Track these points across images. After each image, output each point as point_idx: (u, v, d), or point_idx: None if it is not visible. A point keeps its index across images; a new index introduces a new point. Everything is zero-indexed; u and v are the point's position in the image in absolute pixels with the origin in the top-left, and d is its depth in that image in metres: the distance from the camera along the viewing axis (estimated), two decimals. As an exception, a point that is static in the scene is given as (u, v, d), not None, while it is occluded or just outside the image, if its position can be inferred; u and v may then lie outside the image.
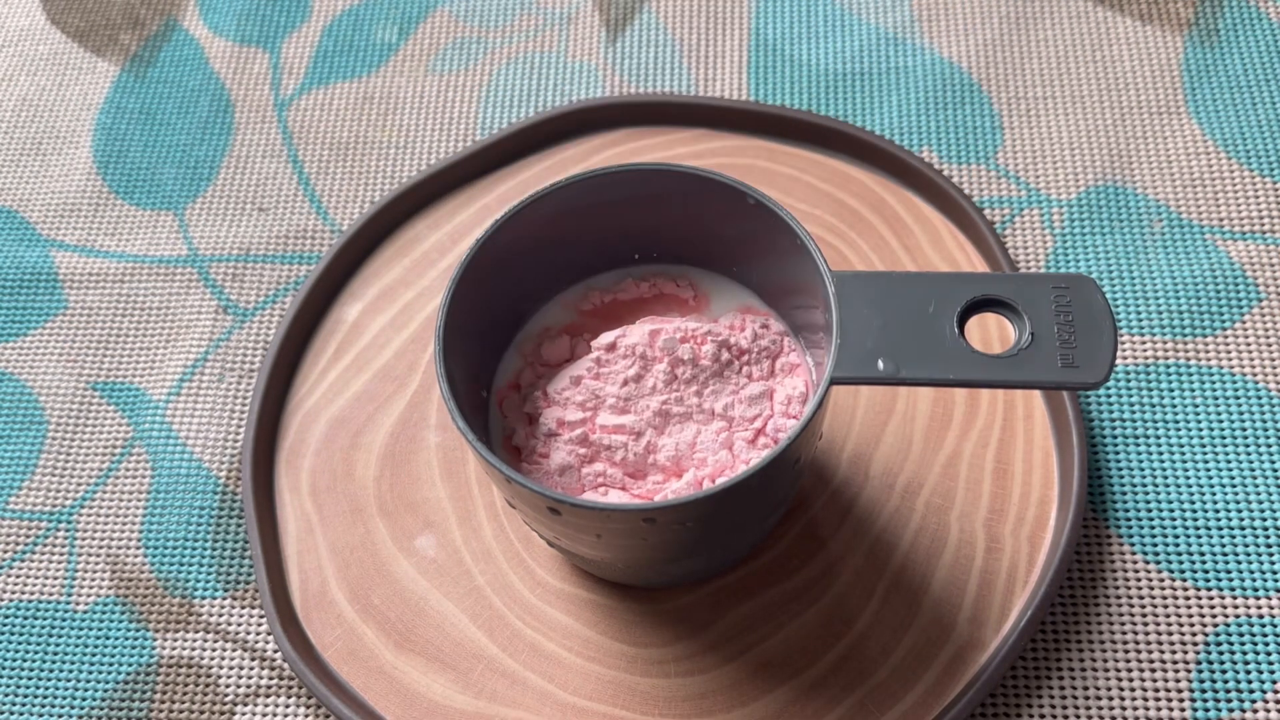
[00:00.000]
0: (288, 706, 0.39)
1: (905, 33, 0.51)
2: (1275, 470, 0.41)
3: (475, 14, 0.53)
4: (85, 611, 0.41)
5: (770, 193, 0.47)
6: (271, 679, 0.40)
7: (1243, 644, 0.39)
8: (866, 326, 0.30)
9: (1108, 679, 0.38)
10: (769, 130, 0.48)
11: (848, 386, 0.41)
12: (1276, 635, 0.39)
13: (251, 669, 0.40)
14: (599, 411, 0.36)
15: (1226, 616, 0.39)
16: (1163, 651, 0.39)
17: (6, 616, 0.41)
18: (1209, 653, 0.38)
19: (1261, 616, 0.39)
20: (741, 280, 0.39)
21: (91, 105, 0.52)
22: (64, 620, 0.41)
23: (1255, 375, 0.43)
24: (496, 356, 0.39)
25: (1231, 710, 0.38)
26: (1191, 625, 0.39)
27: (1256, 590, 0.39)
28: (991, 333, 0.43)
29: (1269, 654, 0.38)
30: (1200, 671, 0.38)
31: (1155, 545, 0.40)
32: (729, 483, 0.30)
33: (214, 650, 0.40)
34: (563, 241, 0.38)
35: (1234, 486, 0.41)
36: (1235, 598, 0.39)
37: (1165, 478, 0.41)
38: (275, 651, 0.40)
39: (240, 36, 0.54)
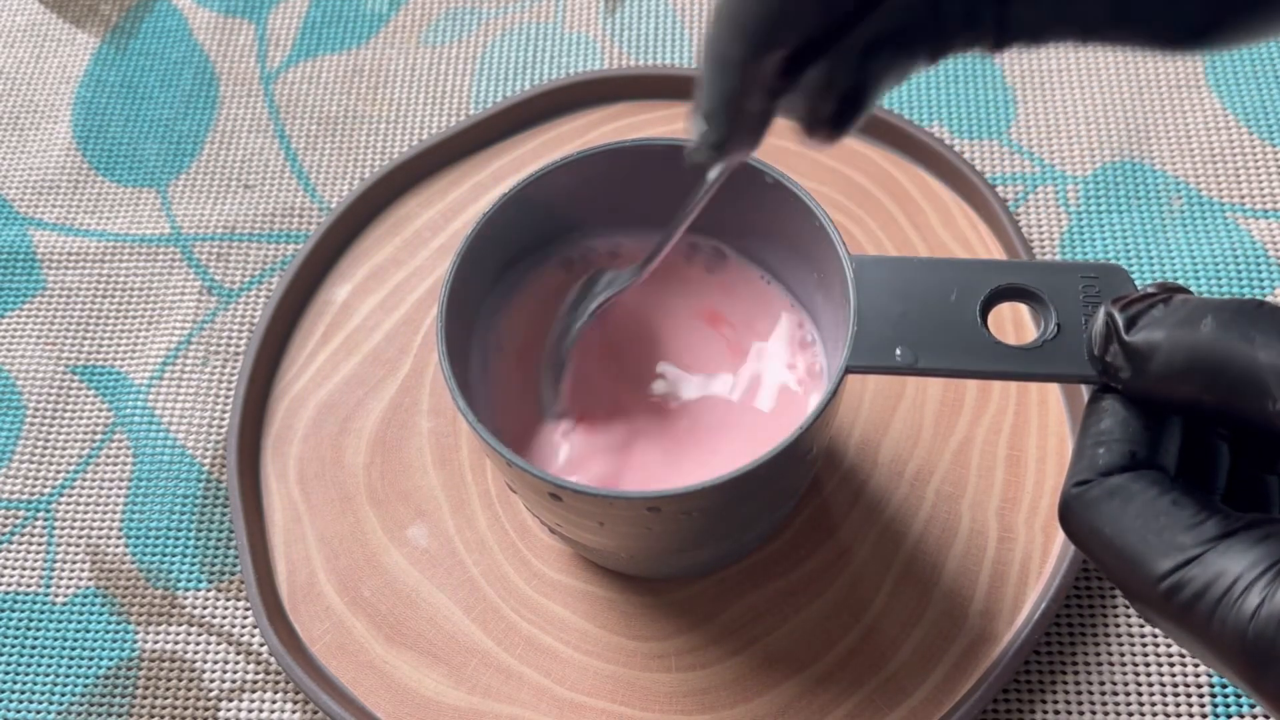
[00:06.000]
0: (274, 702, 0.38)
1: (914, 3, 0.50)
2: (1298, 457, 0.40)
3: (469, -16, 0.52)
4: (64, 603, 0.40)
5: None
6: (257, 673, 0.39)
7: (1265, 637, 0.37)
8: (884, 313, 0.29)
9: (1125, 674, 0.37)
10: (773, 104, 0.47)
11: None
12: (1300, 628, 0.37)
13: (237, 663, 0.39)
14: None
15: (1248, 609, 0.38)
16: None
17: (-17, 609, 0.40)
18: (1230, 646, 0.37)
19: (1284, 609, 0.38)
20: (751, 257, 0.38)
21: (71, 78, 0.51)
22: (42, 612, 0.40)
23: (1278, 359, 0.41)
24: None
25: (1254, 705, 0.36)
26: (1212, 618, 0.38)
27: None
28: (1005, 319, 0.41)
29: (1292, 648, 0.37)
30: (1221, 666, 0.37)
31: (1174, 535, 0.39)
32: (737, 472, 0.29)
33: (198, 644, 0.39)
34: (565, 217, 0.36)
35: (1256, 474, 0.40)
36: (1257, 590, 0.38)
37: (1185, 465, 0.40)
38: (261, 645, 0.39)
39: (225, 7, 0.52)
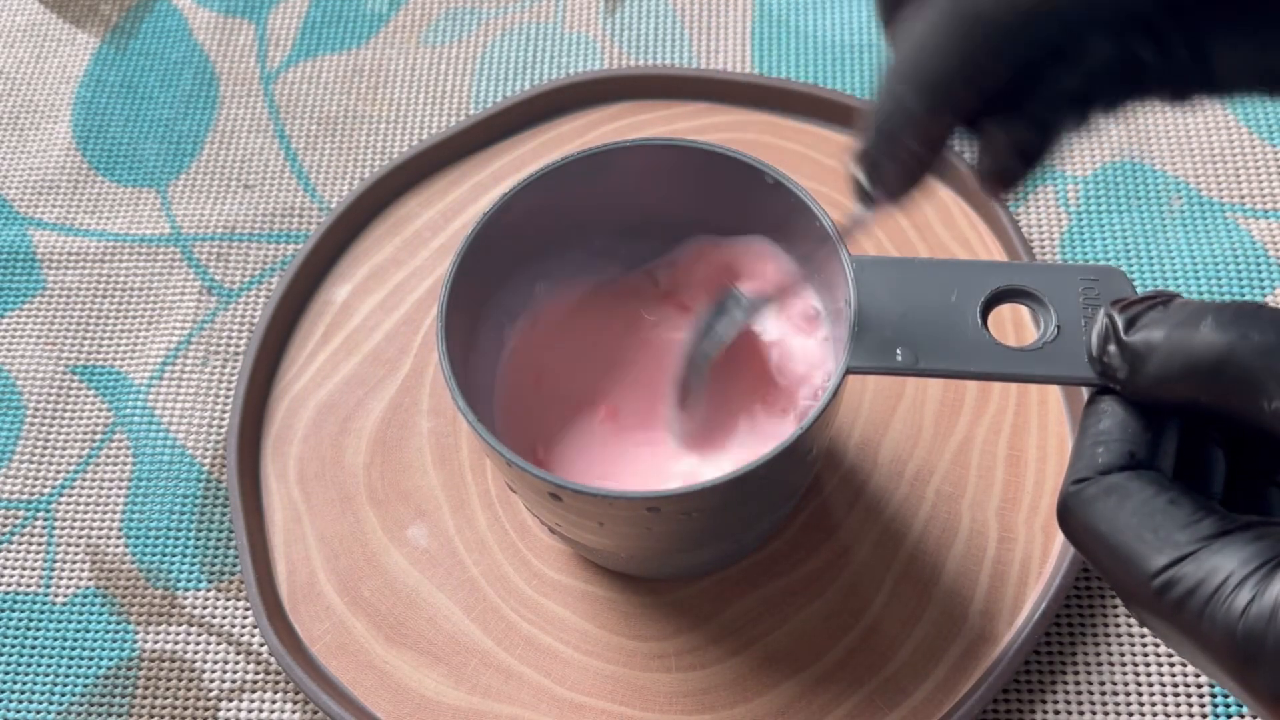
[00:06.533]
0: (274, 702, 0.38)
1: (914, 3, 0.50)
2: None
3: (469, -16, 0.52)
4: (64, 603, 0.40)
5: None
6: (257, 674, 0.39)
7: (1265, 637, 0.37)
8: (885, 314, 0.29)
9: (1124, 674, 0.37)
10: (774, 104, 0.47)
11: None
12: (1300, 628, 0.37)
13: (237, 663, 0.39)
14: None
15: (1248, 609, 0.38)
16: (1182, 645, 0.37)
17: (-17, 608, 0.40)
18: (1230, 647, 0.37)
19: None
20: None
21: (71, 78, 0.51)
22: (42, 612, 0.40)
23: (1278, 359, 0.41)
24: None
25: (1253, 706, 0.36)
26: (1212, 618, 0.38)
27: None
28: (1005, 320, 0.41)
29: (1292, 648, 0.37)
30: (1221, 666, 0.37)
31: (1174, 535, 0.39)
32: (737, 472, 0.29)
33: (198, 644, 0.39)
34: (567, 218, 0.36)
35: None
36: (1257, 590, 0.38)
37: (1185, 465, 0.40)
38: (261, 645, 0.39)
39: (225, 7, 0.52)
